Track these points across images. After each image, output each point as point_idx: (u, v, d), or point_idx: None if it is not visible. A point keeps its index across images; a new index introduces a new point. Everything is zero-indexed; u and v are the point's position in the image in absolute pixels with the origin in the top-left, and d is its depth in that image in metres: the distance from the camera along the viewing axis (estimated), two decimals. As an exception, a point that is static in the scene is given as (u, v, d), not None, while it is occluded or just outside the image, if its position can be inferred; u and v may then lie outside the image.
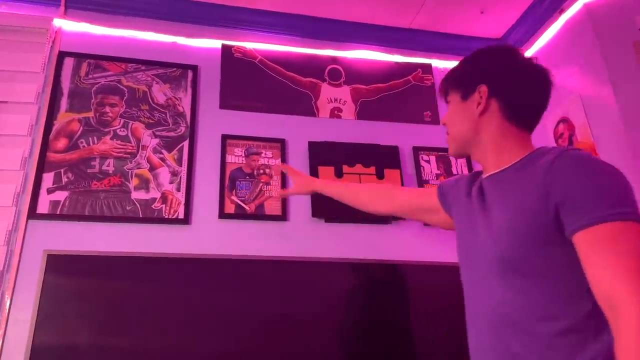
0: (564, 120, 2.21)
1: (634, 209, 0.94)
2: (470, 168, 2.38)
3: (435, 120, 2.47)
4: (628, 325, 0.86)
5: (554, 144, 2.28)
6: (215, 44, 2.33)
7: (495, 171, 1.16)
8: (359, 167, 2.22)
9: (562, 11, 2.28)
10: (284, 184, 2.13)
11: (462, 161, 2.38)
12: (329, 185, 1.72)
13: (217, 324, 1.80)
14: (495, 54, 1.22)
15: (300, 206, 2.12)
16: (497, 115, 1.16)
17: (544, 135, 2.28)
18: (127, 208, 1.95)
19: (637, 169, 1.86)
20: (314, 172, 2.16)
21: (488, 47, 1.28)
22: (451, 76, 1.25)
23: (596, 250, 0.92)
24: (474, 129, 1.18)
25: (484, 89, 1.16)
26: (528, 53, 2.52)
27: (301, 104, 2.34)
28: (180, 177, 2.05)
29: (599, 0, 2.13)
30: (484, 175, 1.21)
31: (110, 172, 2.00)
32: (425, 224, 2.19)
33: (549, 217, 0.98)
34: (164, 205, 1.98)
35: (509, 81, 1.16)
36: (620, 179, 0.98)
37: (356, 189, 1.68)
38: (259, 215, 2.06)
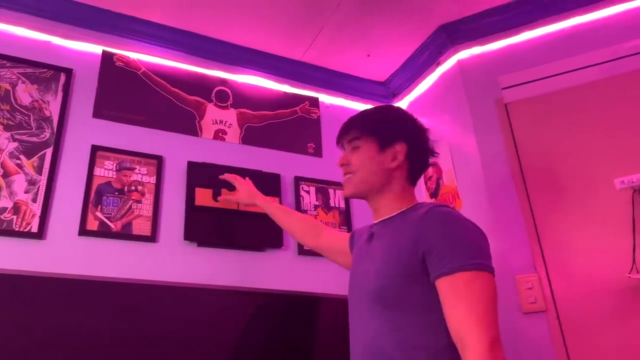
0: (433, 164, 2.38)
1: (487, 260, 1.11)
2: (347, 203, 2.45)
3: (317, 153, 2.52)
4: (470, 358, 1.01)
5: (424, 186, 2.43)
6: (96, 49, 2.19)
7: (385, 217, 1.30)
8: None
9: (439, 64, 2.48)
10: (156, 202, 2.02)
11: (339, 194, 2.45)
12: (268, 206, 1.89)
13: (69, 351, 1.62)
14: (411, 117, 1.37)
15: (172, 228, 2.02)
16: (404, 173, 1.31)
17: (415, 176, 2.43)
18: (-31, 217, 1.72)
19: (492, 212, 2.05)
20: (190, 193, 2.09)
21: (400, 108, 1.45)
22: (368, 122, 1.34)
23: (453, 295, 1.07)
24: (383, 180, 1.29)
25: (403, 147, 1.29)
26: (407, 98, 2.71)
27: (184, 121, 2.26)
28: (39, 187, 1.86)
29: (469, 60, 2.35)
30: (376, 221, 1.34)
31: (-47, 174, 1.76)
32: (301, 253, 2.22)
33: (417, 260, 1.12)
34: (15, 216, 1.78)
35: (421, 147, 1.33)
36: (477, 234, 1.16)
37: (290, 218, 1.83)
38: (126, 234, 1.92)
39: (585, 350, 1.78)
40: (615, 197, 1.88)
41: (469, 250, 1.10)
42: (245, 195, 1.95)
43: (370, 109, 1.44)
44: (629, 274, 1.76)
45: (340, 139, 1.39)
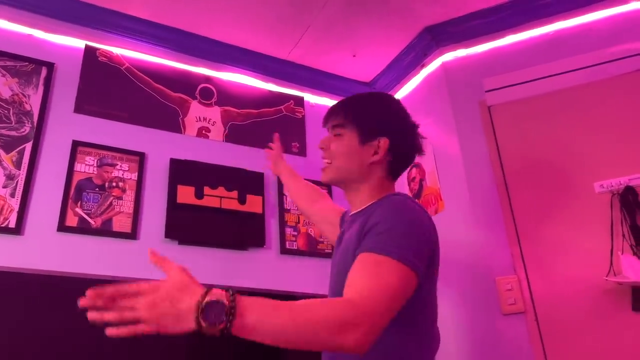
0: (417, 165, 2.39)
1: (415, 258, 1.03)
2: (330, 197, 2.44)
3: (302, 152, 2.52)
4: (328, 308, 0.91)
5: (407, 187, 2.44)
6: (78, 43, 2.17)
7: (356, 211, 1.25)
8: (221, 190, 2.17)
9: (423, 65, 2.49)
10: (137, 199, 2.00)
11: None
12: (289, 182, 1.83)
13: (45, 347, 1.60)
14: (399, 110, 1.30)
15: (153, 225, 2.00)
16: (384, 169, 1.24)
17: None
18: (-55, 211, 1.70)
19: (474, 213, 2.06)
20: (172, 190, 2.07)
21: (391, 97, 1.38)
22: (353, 111, 1.27)
23: (365, 267, 1.00)
24: (361, 173, 1.24)
25: (385, 142, 1.22)
26: (392, 99, 2.71)
27: (167, 118, 2.25)
28: (17, 182, 1.83)
29: (454, 62, 2.36)
30: (350, 214, 1.30)
31: None
32: (284, 252, 2.22)
33: None
34: (-8, 212, 1.76)
35: (405, 144, 1.26)
36: (419, 229, 1.09)
37: (299, 184, 1.79)
38: (105, 231, 1.91)
39: (563, 351, 1.80)
40: (594, 201, 1.90)
41: (402, 239, 1.04)
42: (275, 160, 1.93)
43: (361, 95, 1.35)
44: (606, 276, 1.78)
45: (325, 122, 1.32)
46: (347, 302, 0.93)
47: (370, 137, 1.23)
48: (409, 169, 2.41)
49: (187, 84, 2.36)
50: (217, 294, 0.84)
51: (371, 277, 0.98)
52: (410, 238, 1.06)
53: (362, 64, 2.65)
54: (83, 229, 1.87)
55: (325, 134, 1.35)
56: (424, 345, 1.12)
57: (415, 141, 1.29)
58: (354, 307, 0.91)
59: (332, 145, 1.27)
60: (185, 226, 2.05)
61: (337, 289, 1.13)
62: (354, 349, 0.89)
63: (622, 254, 1.78)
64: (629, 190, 1.85)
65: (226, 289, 0.85)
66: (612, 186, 1.88)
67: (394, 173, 1.28)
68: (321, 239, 2.33)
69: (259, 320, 0.85)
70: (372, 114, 1.27)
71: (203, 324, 0.81)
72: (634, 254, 1.77)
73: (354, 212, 1.27)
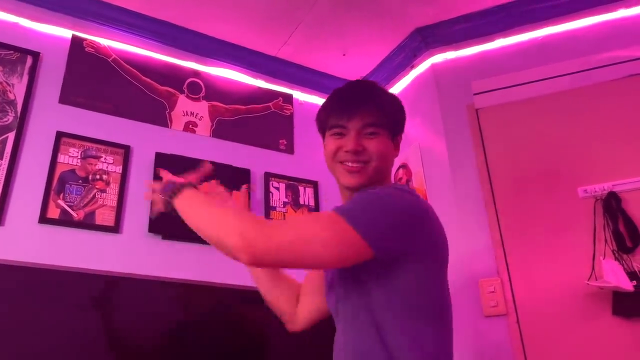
0: (404, 166, 2.40)
1: (369, 229, 0.98)
2: (317, 201, 2.44)
3: (289, 150, 2.51)
4: (239, 219, 1.01)
5: (394, 187, 2.44)
6: (65, 33, 2.14)
7: None
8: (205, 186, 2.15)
9: (413, 67, 2.49)
10: (122, 192, 1.98)
11: (310, 192, 2.44)
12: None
13: (26, 340, 1.58)
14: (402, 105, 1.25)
15: (137, 219, 1.98)
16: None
17: (386, 177, 2.44)
18: None
19: (459, 215, 2.07)
20: (157, 185, 2.05)
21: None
22: (386, 109, 1.19)
23: (313, 214, 1.04)
24: (387, 172, 1.20)
25: (401, 139, 1.22)
26: (381, 100, 2.71)
27: (154, 112, 2.22)
28: (-1, 172, 1.81)
29: (443, 64, 2.37)
30: None
31: None
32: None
33: None
34: (-29, 202, 1.73)
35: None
36: (386, 204, 1.03)
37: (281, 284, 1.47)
38: (88, 224, 1.88)
39: (544, 354, 1.81)
40: (578, 206, 1.92)
41: (365, 208, 1.01)
42: None
43: (381, 91, 1.24)
44: (588, 280, 1.79)
45: (350, 118, 1.15)
46: (257, 223, 1.00)
47: (396, 134, 1.20)
48: (395, 169, 2.44)
49: (175, 78, 2.34)
50: (180, 180, 1.17)
51: (306, 220, 1.05)
52: (376, 218, 1.01)
53: (352, 63, 2.65)
54: (65, 221, 1.85)
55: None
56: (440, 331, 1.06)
57: None
58: (260, 229, 0.98)
59: (370, 146, 1.15)
60: (170, 221, 2.01)
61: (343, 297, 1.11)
62: (234, 253, 0.96)
63: (604, 258, 1.80)
64: (612, 195, 1.86)
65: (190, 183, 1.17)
66: (595, 191, 1.90)
67: None
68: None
69: (189, 205, 1.14)
70: (398, 110, 1.22)
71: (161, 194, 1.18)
72: (616, 259, 1.79)
73: None
